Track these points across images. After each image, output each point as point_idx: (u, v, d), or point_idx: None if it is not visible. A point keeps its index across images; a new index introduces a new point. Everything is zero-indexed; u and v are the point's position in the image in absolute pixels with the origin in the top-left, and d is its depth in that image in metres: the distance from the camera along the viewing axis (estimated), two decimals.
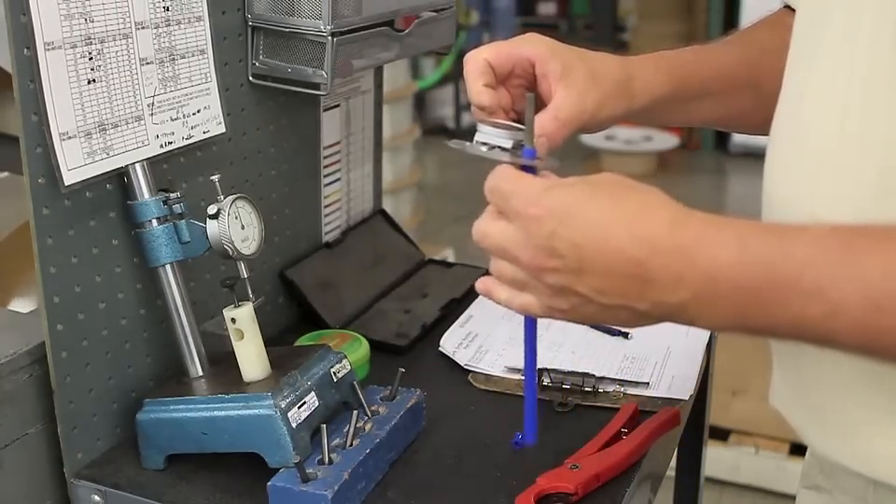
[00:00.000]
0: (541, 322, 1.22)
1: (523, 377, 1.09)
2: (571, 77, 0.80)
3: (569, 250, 0.64)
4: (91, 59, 0.87)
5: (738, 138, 5.58)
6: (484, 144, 0.81)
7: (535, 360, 0.82)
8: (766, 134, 0.82)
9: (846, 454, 0.72)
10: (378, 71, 1.37)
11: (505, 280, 0.70)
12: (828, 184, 0.69)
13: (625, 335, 1.19)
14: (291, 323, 1.23)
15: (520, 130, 0.78)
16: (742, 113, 0.93)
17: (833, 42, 0.70)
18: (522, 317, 1.16)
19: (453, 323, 1.23)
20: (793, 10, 0.81)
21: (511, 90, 0.84)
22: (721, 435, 2.49)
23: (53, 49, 0.83)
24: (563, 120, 0.79)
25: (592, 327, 1.21)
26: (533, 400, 0.83)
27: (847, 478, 0.76)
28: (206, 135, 1.02)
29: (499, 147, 0.80)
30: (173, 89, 0.97)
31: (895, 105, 0.65)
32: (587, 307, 0.66)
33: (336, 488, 0.82)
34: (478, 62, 0.82)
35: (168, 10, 0.95)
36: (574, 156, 5.72)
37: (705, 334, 1.19)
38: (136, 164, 0.92)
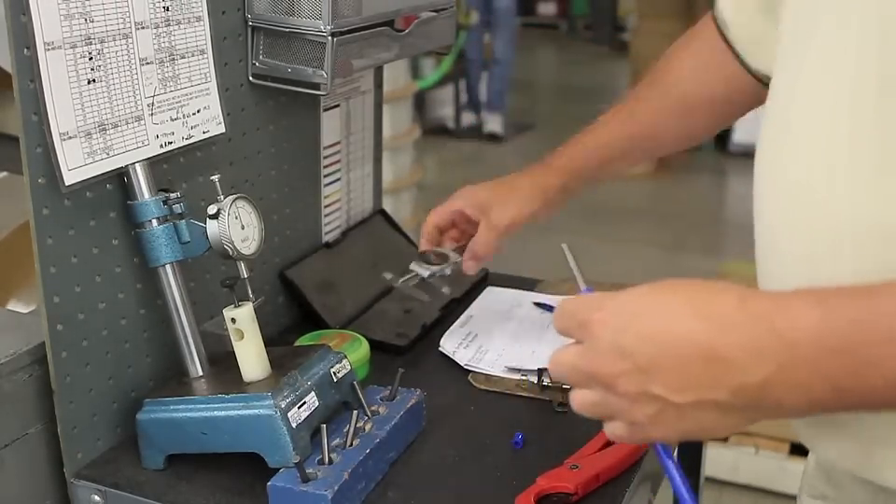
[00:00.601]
0: (541, 322, 1.23)
1: (523, 377, 1.09)
2: (486, 215, 1.13)
3: (637, 346, 0.61)
4: (91, 59, 0.87)
5: (738, 138, 5.58)
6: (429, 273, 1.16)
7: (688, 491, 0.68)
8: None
9: (855, 462, 0.71)
10: (378, 71, 1.37)
11: (586, 408, 0.66)
12: (822, 189, 0.68)
13: None
14: (291, 323, 1.23)
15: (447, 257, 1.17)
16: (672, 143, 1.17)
17: (822, 45, 0.70)
18: (522, 318, 1.17)
19: (453, 323, 1.23)
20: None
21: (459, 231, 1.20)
22: None
23: (53, 48, 0.83)
24: (481, 252, 1.14)
25: None
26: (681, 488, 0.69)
27: (855, 487, 0.75)
28: (206, 135, 1.02)
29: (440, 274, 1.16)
30: (173, 89, 0.97)
31: (884, 107, 0.65)
32: (668, 413, 0.61)
33: (336, 488, 0.82)
34: (427, 226, 1.18)
35: (168, 10, 0.95)
36: None
37: None
38: (136, 164, 0.92)
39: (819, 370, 0.57)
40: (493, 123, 6.19)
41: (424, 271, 1.16)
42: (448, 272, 1.17)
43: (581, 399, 0.66)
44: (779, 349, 0.57)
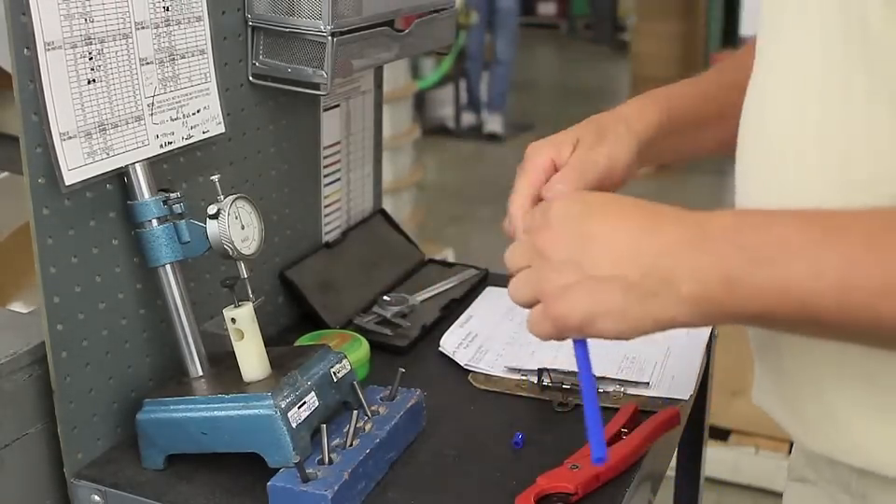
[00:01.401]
0: None
1: (523, 377, 1.09)
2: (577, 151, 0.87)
3: (587, 223, 0.68)
4: (91, 59, 0.87)
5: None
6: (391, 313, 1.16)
7: (591, 380, 0.76)
8: None
9: (829, 445, 0.73)
10: (378, 71, 1.37)
11: (518, 283, 0.71)
12: (791, 177, 0.71)
13: None
14: (291, 323, 1.23)
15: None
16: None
17: (790, 36, 0.72)
18: (522, 317, 1.16)
19: (453, 323, 1.23)
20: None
21: None
22: (721, 435, 2.49)
23: (53, 48, 0.83)
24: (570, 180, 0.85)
25: None
26: (594, 415, 0.74)
27: (832, 468, 0.77)
28: (206, 135, 1.02)
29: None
30: (172, 89, 0.97)
31: (849, 97, 0.66)
32: (580, 287, 0.66)
33: (336, 488, 0.82)
34: (520, 197, 0.85)
35: (168, 10, 0.95)
36: None
37: (705, 334, 1.19)
38: (136, 164, 0.92)
39: (719, 259, 0.62)
40: (493, 123, 6.20)
41: (386, 312, 1.23)
42: (407, 310, 1.24)
43: (516, 279, 0.71)
44: (693, 236, 0.64)
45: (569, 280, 0.66)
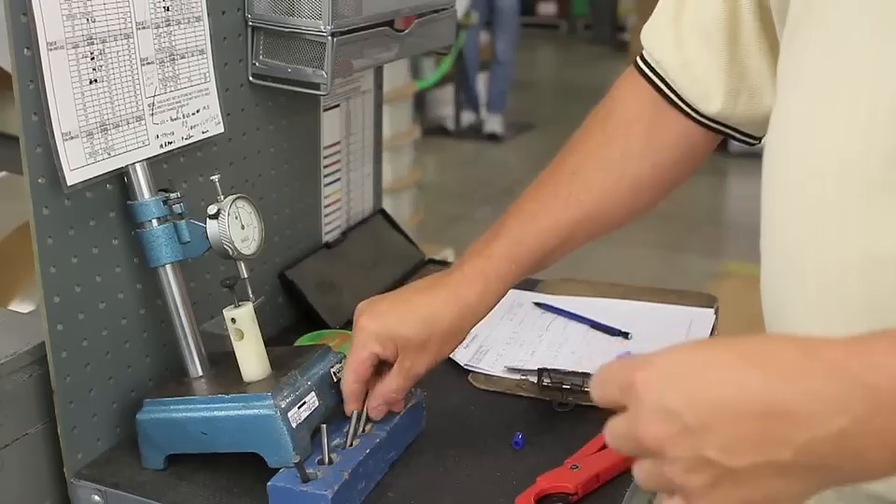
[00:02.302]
0: (541, 322, 1.23)
1: (523, 377, 1.09)
2: (402, 359, 0.91)
3: (684, 404, 0.53)
4: (92, 59, 0.87)
5: None
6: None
7: None
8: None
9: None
10: (378, 71, 1.37)
11: (644, 480, 0.58)
12: (833, 195, 0.68)
13: (625, 335, 1.19)
14: (291, 323, 1.23)
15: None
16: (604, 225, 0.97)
17: (813, 61, 0.70)
18: (522, 317, 1.17)
19: None
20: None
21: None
22: None
23: (55, 48, 0.83)
24: (394, 398, 0.92)
25: (592, 327, 1.21)
26: None
27: (867, 501, 0.73)
28: (206, 135, 1.02)
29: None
30: (173, 89, 0.97)
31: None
32: (725, 482, 0.53)
33: (336, 488, 0.82)
34: (347, 386, 0.92)
35: (168, 10, 0.95)
36: None
37: (705, 334, 1.19)
38: (137, 164, 0.92)
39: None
40: (493, 124, 6.20)
41: None
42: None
43: (638, 471, 0.58)
44: (858, 394, 0.50)
45: (708, 478, 0.53)
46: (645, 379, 0.55)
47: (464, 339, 0.95)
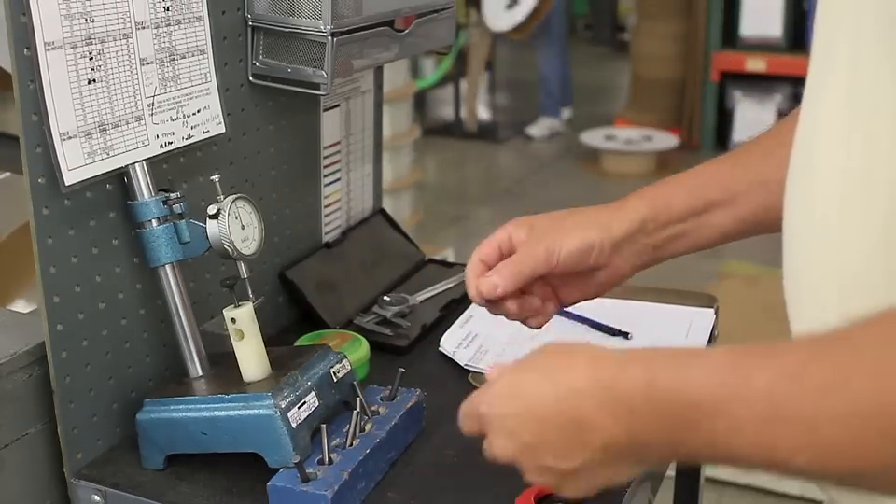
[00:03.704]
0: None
1: None
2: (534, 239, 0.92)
3: (518, 426, 0.69)
4: (91, 59, 0.87)
5: (739, 137, 5.57)
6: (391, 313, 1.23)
7: None
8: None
9: None
10: (378, 71, 1.37)
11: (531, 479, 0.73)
12: (836, 219, 0.67)
13: (625, 335, 1.19)
14: (291, 323, 1.23)
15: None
16: (754, 216, 0.93)
17: (837, 79, 0.69)
18: None
19: (453, 323, 1.23)
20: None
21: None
22: None
23: (54, 48, 0.83)
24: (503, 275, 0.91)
25: (592, 327, 1.21)
26: None
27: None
28: (206, 135, 1.02)
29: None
30: (173, 89, 0.97)
31: None
32: (568, 479, 0.69)
33: (336, 488, 0.82)
34: (471, 263, 0.94)
35: (168, 10, 0.95)
36: (575, 156, 5.72)
37: (704, 334, 1.19)
38: (136, 164, 0.92)
39: (657, 432, 0.63)
40: (534, 128, 6.26)
41: (386, 312, 1.23)
42: (407, 310, 1.25)
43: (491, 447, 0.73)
44: (623, 415, 0.64)
45: (555, 479, 0.69)
46: (486, 410, 0.72)
47: (590, 251, 0.91)
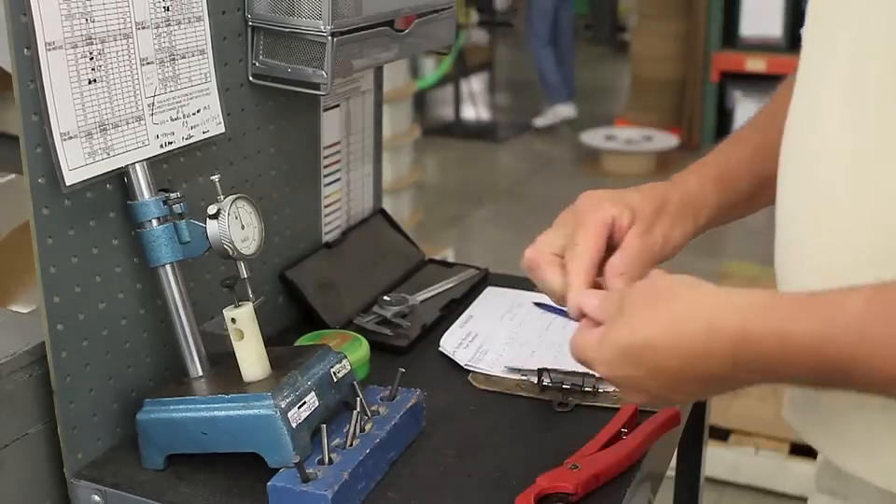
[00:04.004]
0: (541, 322, 1.23)
1: (523, 377, 1.09)
2: (638, 220, 0.86)
3: (639, 387, 0.72)
4: (91, 59, 0.87)
5: None
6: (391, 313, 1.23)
7: None
8: None
9: (865, 468, 0.72)
10: (378, 71, 1.37)
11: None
12: (846, 197, 0.69)
13: None
14: (291, 323, 1.23)
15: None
16: None
17: (839, 69, 0.70)
18: (522, 318, 1.17)
19: (453, 323, 1.23)
20: None
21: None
22: (721, 435, 2.49)
23: (54, 48, 0.83)
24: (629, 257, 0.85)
25: None
26: None
27: (864, 486, 0.75)
28: (206, 135, 1.02)
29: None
30: (173, 89, 0.97)
31: None
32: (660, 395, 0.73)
33: (336, 488, 0.82)
34: (578, 263, 0.84)
35: (168, 10, 0.95)
36: (575, 156, 5.72)
37: None
38: (136, 164, 0.92)
39: (792, 374, 0.66)
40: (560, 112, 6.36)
41: (386, 312, 1.23)
42: (407, 310, 1.24)
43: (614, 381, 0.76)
44: (754, 367, 0.66)
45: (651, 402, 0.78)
46: (605, 372, 0.74)
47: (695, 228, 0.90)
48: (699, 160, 0.94)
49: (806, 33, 0.78)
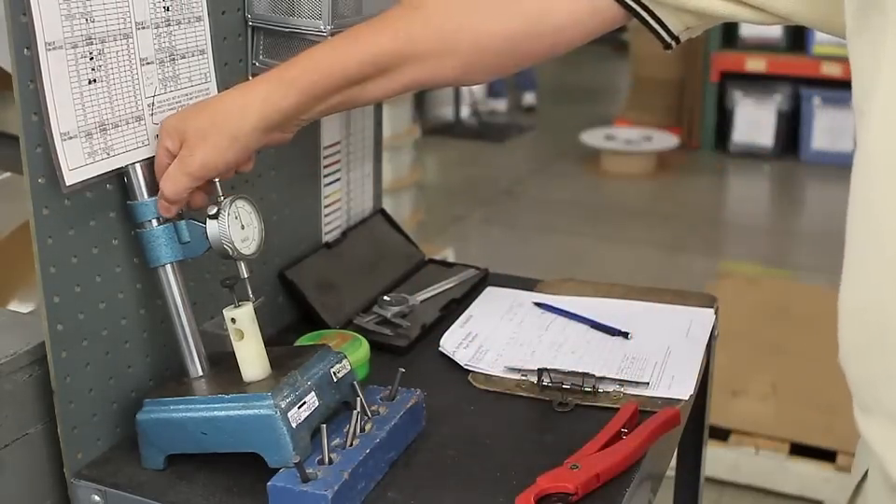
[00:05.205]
0: (541, 322, 1.23)
1: (523, 377, 1.09)
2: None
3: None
4: (91, 59, 0.87)
5: (739, 137, 5.58)
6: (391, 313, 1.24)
7: None
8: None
9: None
10: None
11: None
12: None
13: (625, 335, 1.19)
14: (291, 323, 1.23)
15: None
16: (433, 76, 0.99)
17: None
18: (522, 318, 1.18)
19: (453, 323, 1.23)
20: None
21: None
22: (721, 435, 2.49)
23: (54, 48, 0.83)
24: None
25: (592, 327, 1.21)
26: None
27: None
28: None
29: None
30: (173, 89, 0.97)
31: None
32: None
33: (336, 488, 0.82)
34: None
35: (168, 10, 0.95)
36: (575, 156, 5.72)
37: (705, 334, 1.19)
38: (136, 164, 0.93)
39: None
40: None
41: (386, 312, 1.23)
42: (407, 310, 1.25)
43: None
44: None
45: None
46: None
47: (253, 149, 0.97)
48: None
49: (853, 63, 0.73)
